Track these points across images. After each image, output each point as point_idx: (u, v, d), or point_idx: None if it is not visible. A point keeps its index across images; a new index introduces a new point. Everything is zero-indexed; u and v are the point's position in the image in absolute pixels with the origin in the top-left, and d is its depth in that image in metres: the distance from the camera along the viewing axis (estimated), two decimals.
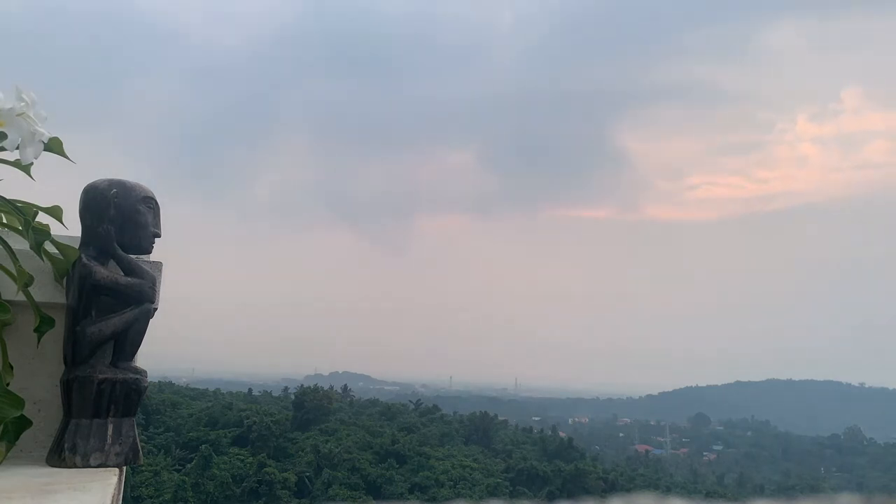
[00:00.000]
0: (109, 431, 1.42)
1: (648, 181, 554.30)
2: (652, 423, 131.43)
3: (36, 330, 1.40)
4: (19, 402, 1.28)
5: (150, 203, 1.53)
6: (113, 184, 1.49)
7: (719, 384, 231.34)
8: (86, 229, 1.48)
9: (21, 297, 1.37)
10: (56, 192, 1.49)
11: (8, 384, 1.31)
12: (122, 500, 1.46)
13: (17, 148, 1.32)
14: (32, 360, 1.53)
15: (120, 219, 1.47)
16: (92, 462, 1.38)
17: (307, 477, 49.91)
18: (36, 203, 1.40)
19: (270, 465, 49.24)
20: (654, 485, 55.31)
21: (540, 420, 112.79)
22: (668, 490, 48.03)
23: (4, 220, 1.41)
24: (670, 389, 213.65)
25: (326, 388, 70.67)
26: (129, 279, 1.46)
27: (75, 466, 1.36)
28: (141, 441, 1.50)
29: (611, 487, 51.75)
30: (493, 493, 46.98)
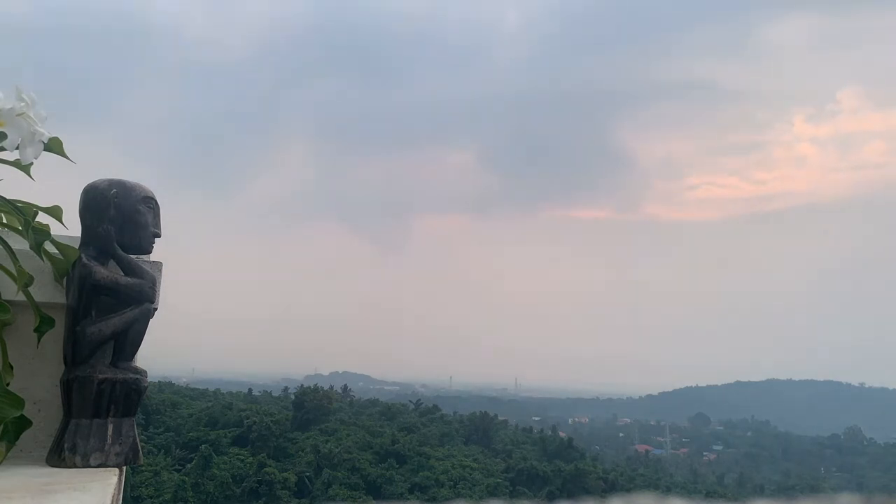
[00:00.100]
0: (109, 431, 1.41)
1: (648, 181, 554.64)
2: (652, 423, 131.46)
3: (36, 330, 1.40)
4: (19, 402, 1.28)
5: (150, 203, 1.53)
6: (113, 184, 1.49)
7: (719, 384, 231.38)
8: (86, 229, 1.48)
9: (21, 297, 1.37)
10: (56, 192, 1.49)
11: (8, 384, 1.31)
12: (122, 500, 1.46)
13: (17, 148, 1.32)
14: (32, 360, 1.53)
15: (120, 219, 1.47)
16: (92, 462, 1.38)
17: (307, 477, 49.92)
18: (36, 203, 1.39)
19: (270, 465, 49.25)
20: (654, 485, 55.33)
21: (540, 420, 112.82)
22: (668, 490, 48.02)
23: (4, 220, 1.41)
24: (670, 389, 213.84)
25: (326, 388, 70.66)
26: (129, 279, 1.46)
27: (75, 466, 1.36)
28: (141, 441, 1.50)
29: (611, 487, 51.76)
30: (493, 493, 46.99)
